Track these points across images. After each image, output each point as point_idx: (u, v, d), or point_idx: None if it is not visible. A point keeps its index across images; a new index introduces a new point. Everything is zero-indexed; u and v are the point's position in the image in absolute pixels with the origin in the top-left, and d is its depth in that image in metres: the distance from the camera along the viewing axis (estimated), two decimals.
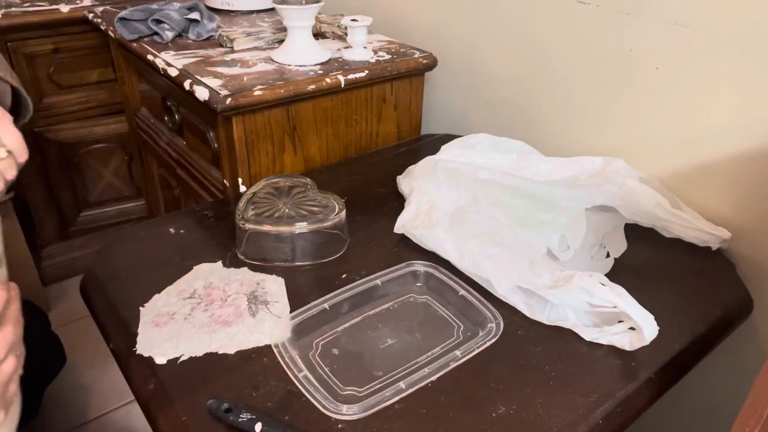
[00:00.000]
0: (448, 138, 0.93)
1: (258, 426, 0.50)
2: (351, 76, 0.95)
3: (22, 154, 0.47)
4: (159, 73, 0.99)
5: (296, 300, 0.65)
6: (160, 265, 0.71)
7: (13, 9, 1.34)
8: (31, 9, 1.35)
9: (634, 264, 0.74)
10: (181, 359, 0.58)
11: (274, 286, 0.68)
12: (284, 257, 0.72)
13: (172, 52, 1.01)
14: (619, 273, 0.72)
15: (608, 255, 0.75)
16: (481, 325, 0.63)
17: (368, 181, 0.91)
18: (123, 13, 1.10)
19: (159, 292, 0.66)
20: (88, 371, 1.36)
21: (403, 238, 0.76)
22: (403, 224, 0.76)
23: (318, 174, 0.92)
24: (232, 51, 1.03)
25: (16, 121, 0.60)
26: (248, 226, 0.71)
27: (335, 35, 1.12)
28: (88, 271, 0.71)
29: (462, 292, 0.66)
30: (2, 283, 0.45)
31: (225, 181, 0.97)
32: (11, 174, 0.46)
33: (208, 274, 0.69)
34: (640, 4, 0.79)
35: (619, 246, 0.77)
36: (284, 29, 1.05)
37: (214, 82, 0.88)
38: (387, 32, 1.19)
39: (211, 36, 1.09)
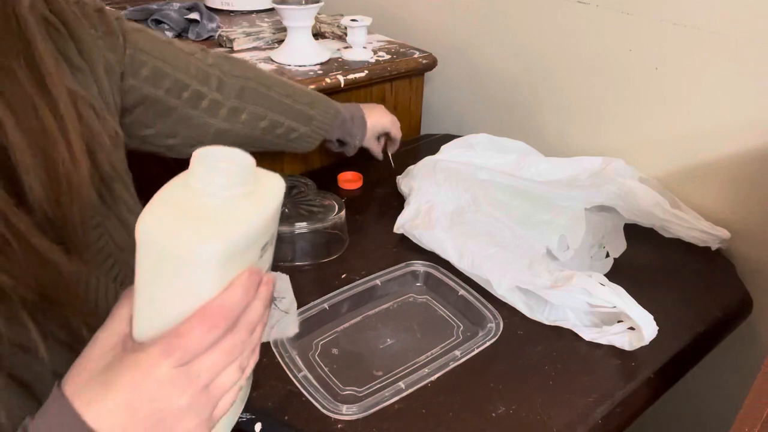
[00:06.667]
0: (448, 138, 0.93)
1: (258, 426, 0.50)
2: (351, 76, 0.95)
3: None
4: None
5: (296, 300, 0.65)
6: None
7: None
8: None
9: (634, 264, 0.74)
10: None
11: (280, 283, 0.67)
12: (284, 257, 0.72)
13: None
14: (619, 273, 0.72)
15: (608, 255, 0.75)
16: (481, 325, 0.63)
17: (368, 181, 0.91)
18: (123, 13, 1.10)
19: None
20: None
21: (403, 238, 0.76)
22: (402, 224, 0.76)
23: (318, 174, 0.92)
24: (232, 51, 1.03)
25: None
26: None
27: (335, 35, 1.12)
28: None
29: (462, 292, 0.66)
30: (252, 274, 0.32)
31: None
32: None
33: None
34: (640, 4, 0.79)
35: (618, 246, 0.77)
36: (284, 29, 1.05)
37: None
38: (387, 32, 1.19)
39: (211, 36, 1.09)
